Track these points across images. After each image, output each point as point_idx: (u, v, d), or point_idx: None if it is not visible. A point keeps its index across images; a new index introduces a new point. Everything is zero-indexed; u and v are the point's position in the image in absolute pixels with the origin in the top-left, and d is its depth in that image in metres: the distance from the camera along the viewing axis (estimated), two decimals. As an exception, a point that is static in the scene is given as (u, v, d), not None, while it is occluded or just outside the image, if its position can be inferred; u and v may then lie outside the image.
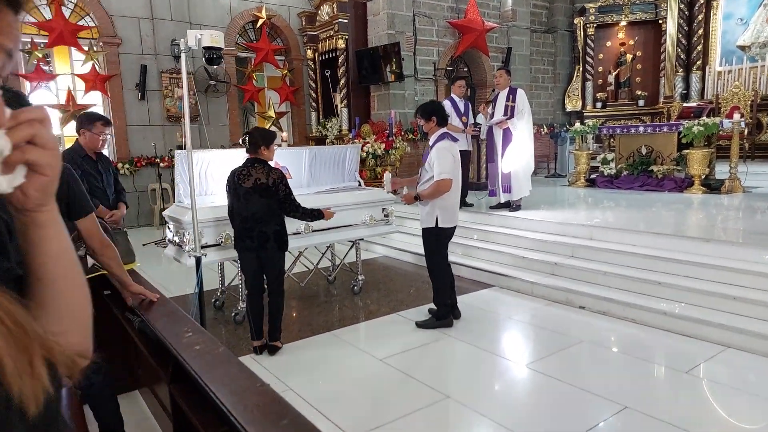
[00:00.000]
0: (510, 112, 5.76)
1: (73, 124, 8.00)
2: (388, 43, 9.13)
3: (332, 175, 4.97)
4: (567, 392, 2.93)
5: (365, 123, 8.54)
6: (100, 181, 3.62)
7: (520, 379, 3.19)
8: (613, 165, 8.40)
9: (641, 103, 11.47)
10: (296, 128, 10.59)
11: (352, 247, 4.93)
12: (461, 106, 6.35)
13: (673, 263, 4.19)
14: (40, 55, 7.68)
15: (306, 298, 4.78)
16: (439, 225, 3.83)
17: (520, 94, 5.78)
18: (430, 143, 3.84)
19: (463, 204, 6.52)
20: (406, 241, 6.27)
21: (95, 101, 8.33)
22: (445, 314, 3.98)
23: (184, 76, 3.12)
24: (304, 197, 4.05)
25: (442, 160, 3.71)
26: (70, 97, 7.98)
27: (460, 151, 6.42)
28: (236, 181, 3.49)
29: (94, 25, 8.27)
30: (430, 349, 3.64)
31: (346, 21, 9.36)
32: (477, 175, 7.14)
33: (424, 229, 3.92)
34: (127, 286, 2.24)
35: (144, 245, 7.09)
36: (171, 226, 4.23)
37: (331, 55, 9.80)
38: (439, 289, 3.97)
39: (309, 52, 10.23)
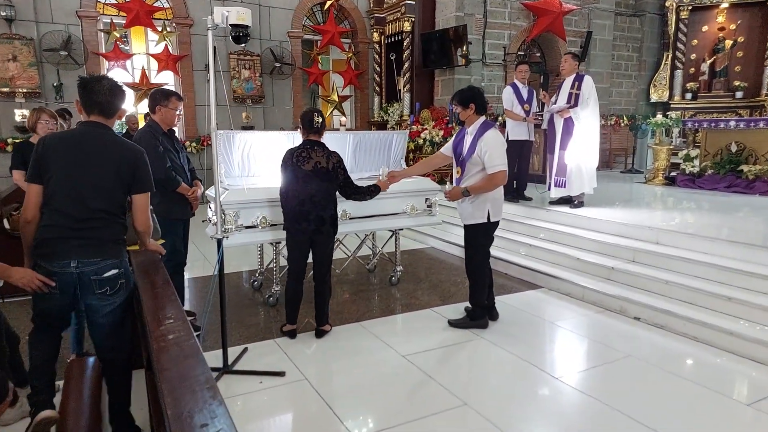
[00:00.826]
0: (573, 101, 5.30)
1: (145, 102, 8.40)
2: (456, 25, 8.77)
3: (377, 162, 4.81)
4: (603, 414, 2.62)
5: (425, 109, 8.29)
6: (178, 158, 3.65)
7: (550, 392, 2.91)
8: (696, 162, 7.60)
9: (739, 95, 10.30)
10: (359, 112, 10.53)
11: (392, 236, 4.77)
12: (524, 92, 5.95)
13: (748, 277, 3.67)
14: (119, 35, 8.08)
15: (341, 286, 4.70)
16: (491, 219, 3.58)
17: (587, 81, 5.30)
18: (470, 132, 3.57)
19: (521, 197, 6.15)
20: (456, 233, 6.02)
21: (167, 80, 8.68)
22: (480, 315, 3.74)
23: (210, 55, 3.06)
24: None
25: (496, 150, 3.45)
26: (144, 76, 8.36)
27: (521, 140, 6.13)
28: (295, 163, 3.46)
29: (168, 6, 8.58)
30: (458, 350, 3.43)
31: (414, 3, 9.09)
32: (542, 167, 6.73)
33: (470, 226, 3.66)
34: (146, 245, 2.53)
35: (203, 221, 7.33)
36: (211, 206, 4.27)
37: (396, 38, 9.59)
38: (477, 289, 3.73)
39: (375, 35, 10.08)
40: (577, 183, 5.53)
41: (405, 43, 9.27)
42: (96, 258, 2.16)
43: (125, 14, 8.05)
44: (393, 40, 9.71)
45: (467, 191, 3.52)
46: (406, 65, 9.33)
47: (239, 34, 2.99)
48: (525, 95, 5.94)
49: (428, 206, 4.61)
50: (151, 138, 3.38)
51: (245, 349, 3.35)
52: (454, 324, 3.75)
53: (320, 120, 3.66)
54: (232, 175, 4.22)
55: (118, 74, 8.40)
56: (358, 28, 10.18)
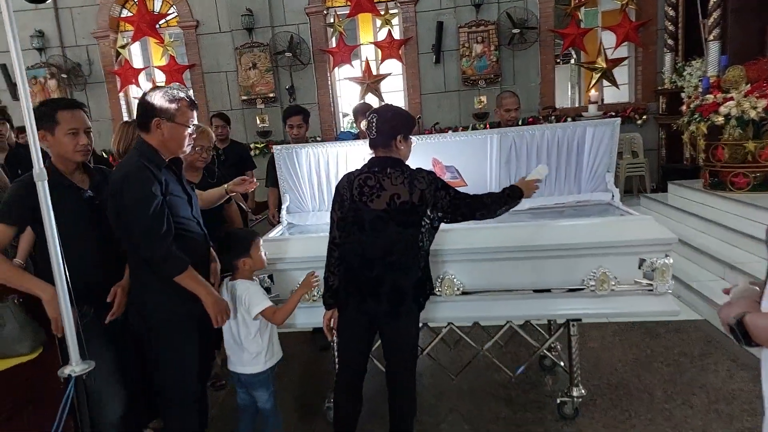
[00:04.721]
0: None
1: (369, 98, 7.73)
2: None
3: (555, 179, 2.66)
4: None
5: (734, 66, 4.95)
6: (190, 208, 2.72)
7: None
8: None
9: None
10: (640, 80, 7.52)
11: (562, 328, 2.55)
12: None
13: None
14: (341, 28, 7.56)
15: (445, 398, 2.78)
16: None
17: None
18: None
19: None
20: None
21: (390, 70, 7.80)
22: None
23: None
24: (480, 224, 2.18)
25: None
26: (368, 67, 7.67)
27: None
28: (357, 198, 2.04)
29: (391, -15, 7.62)
30: None
31: None
32: None
33: None
34: None
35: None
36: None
37: (700, -39, 6.26)
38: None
39: (668, -37, 6.89)
40: None
41: (714, -35, 5.92)
42: None
43: (349, 3, 7.49)
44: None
45: None
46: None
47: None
48: None
49: (646, 277, 2.23)
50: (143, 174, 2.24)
51: None
52: None
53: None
54: (303, 209, 2.84)
55: (345, 71, 7.98)
56: (642, -41, 7.16)
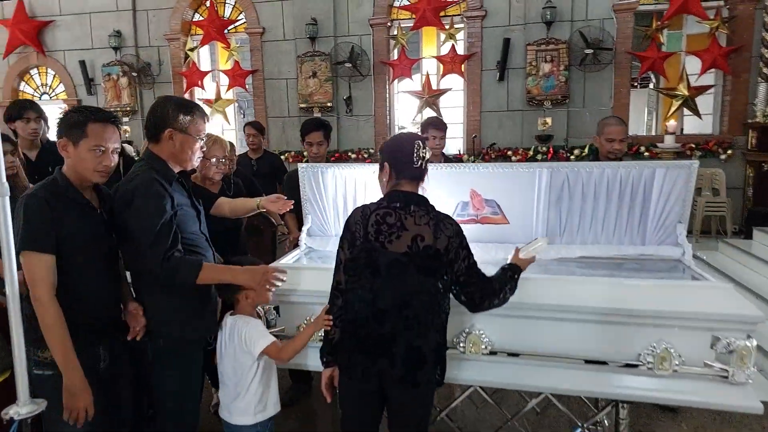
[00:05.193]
0: None
1: (427, 113, 7.48)
2: None
3: (615, 226, 2.27)
4: None
5: None
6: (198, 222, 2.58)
7: None
8: None
9: None
10: (727, 111, 6.80)
11: (611, 407, 2.14)
12: None
13: None
14: (404, 41, 7.36)
15: None
16: None
17: None
18: None
19: None
20: None
21: (451, 85, 7.51)
22: None
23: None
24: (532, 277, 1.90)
25: None
26: (428, 82, 7.42)
27: None
28: (373, 237, 1.76)
29: (461, -1, 7.34)
30: None
31: None
32: None
33: None
34: None
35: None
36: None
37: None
38: None
39: (769, -14, 6.21)
40: None
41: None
42: None
43: (413, 15, 7.29)
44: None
45: None
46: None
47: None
48: None
49: (719, 360, 1.81)
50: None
51: None
52: None
53: (425, 153, 1.81)
54: (326, 233, 2.61)
55: (403, 84, 7.78)
56: (739, -21, 6.50)
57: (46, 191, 1.71)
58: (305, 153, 3.50)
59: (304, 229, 2.55)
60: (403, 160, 1.77)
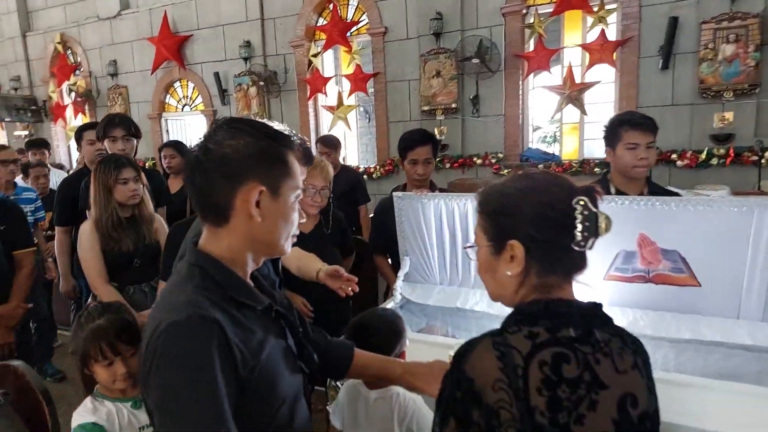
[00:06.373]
0: None
1: (568, 111, 6.48)
2: None
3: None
4: None
5: None
6: None
7: None
8: None
9: None
10: None
11: None
12: None
13: None
14: (541, 29, 6.41)
15: None
16: None
17: None
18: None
19: None
20: None
21: (599, 77, 6.38)
22: None
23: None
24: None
25: None
26: (570, 74, 6.39)
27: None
28: (547, 413, 0.90)
29: (611, -26, 6.19)
30: None
31: None
32: None
33: None
34: None
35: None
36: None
37: None
38: None
39: None
40: None
41: None
42: None
43: (553, 1, 6.32)
44: None
45: None
46: None
47: None
48: None
49: None
50: None
51: None
52: None
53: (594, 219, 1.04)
54: (428, 280, 1.93)
55: (540, 79, 6.81)
56: None
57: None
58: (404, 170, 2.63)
59: (401, 273, 1.89)
60: (553, 234, 0.98)
